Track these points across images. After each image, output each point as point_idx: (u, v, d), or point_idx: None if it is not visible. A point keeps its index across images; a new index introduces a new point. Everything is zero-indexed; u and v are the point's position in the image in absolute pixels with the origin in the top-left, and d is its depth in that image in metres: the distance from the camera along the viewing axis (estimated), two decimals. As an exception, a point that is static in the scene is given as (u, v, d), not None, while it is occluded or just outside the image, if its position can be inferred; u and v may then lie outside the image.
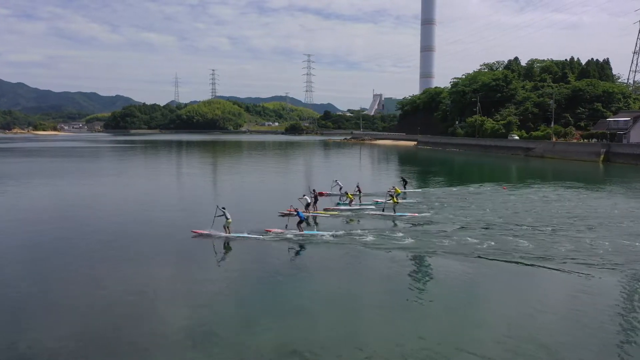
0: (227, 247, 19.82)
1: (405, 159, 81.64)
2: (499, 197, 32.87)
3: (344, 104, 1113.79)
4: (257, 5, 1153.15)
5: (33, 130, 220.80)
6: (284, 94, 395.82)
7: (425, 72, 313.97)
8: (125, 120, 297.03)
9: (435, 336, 11.62)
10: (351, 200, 28.36)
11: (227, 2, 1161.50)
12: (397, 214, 25.53)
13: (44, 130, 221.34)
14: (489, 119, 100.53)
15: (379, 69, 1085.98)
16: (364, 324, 12.47)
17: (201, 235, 20.70)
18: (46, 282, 15.31)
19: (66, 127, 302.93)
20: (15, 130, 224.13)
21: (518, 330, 11.83)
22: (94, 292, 14.37)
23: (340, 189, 31.80)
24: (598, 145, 66.72)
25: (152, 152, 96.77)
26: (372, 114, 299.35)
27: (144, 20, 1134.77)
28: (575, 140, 78.22)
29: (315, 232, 21.58)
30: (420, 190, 36.65)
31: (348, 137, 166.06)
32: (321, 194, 29.09)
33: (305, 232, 21.13)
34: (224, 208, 20.75)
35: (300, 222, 21.12)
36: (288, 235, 20.63)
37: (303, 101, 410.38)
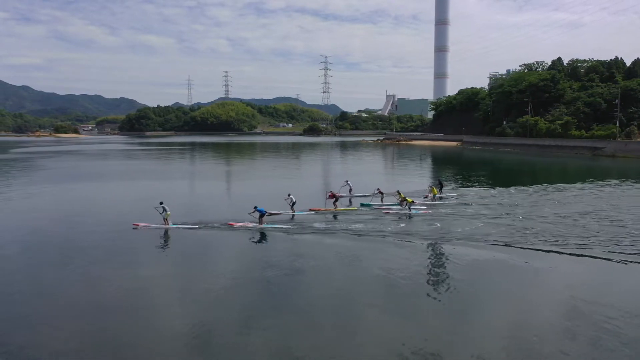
0: (212, 242, 21.11)
1: (462, 161, 79.37)
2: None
3: (346, 104, 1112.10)
4: (255, 6, 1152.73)
5: (55, 133, 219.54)
6: (288, 95, 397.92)
7: (440, 72, 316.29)
8: (140, 122, 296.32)
9: (436, 335, 11.58)
10: (402, 200, 27.84)
11: (225, 4, 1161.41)
12: (413, 211, 26.95)
13: (65, 133, 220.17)
14: (541, 118, 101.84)
15: (378, 69, 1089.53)
16: (363, 323, 12.47)
17: (138, 227, 22.86)
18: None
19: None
20: (37, 134, 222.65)
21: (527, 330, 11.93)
22: (92, 293, 14.58)
23: (350, 190, 33.36)
24: (678, 144, 68.13)
25: (200, 153, 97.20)
26: (385, 114, 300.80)
27: (142, 23, 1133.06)
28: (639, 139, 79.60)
29: (271, 225, 23.60)
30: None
31: (381, 138, 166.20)
32: (332, 196, 28.96)
33: (265, 225, 23.32)
34: (161, 203, 22.73)
35: (261, 216, 23.37)
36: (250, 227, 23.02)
37: (314, 103, 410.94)
